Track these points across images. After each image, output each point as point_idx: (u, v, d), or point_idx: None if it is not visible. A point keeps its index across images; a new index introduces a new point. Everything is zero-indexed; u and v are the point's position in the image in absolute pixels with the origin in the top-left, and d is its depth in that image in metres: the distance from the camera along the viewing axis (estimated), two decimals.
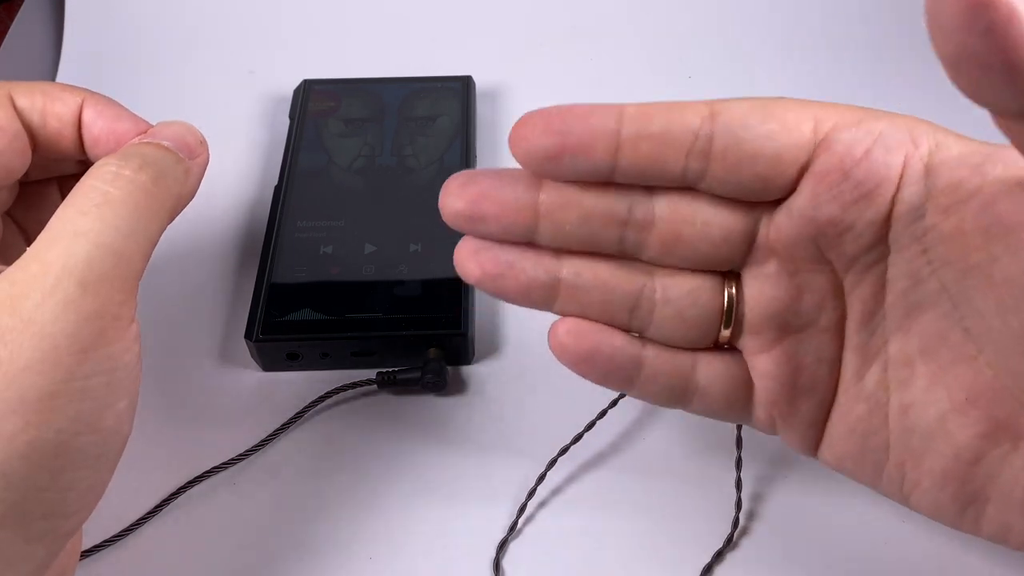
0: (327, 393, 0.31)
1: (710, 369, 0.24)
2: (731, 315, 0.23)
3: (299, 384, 0.32)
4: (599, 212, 0.22)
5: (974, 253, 0.20)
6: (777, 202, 0.21)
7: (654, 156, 0.21)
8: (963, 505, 0.22)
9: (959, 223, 0.20)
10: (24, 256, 0.20)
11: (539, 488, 0.29)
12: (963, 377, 0.21)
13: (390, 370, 0.31)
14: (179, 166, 0.24)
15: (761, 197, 0.21)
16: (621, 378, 0.23)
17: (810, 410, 0.23)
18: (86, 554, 0.27)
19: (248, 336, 0.31)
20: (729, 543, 0.28)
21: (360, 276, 0.33)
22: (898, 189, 0.20)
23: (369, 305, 0.32)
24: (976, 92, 0.15)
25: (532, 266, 0.22)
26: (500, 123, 0.41)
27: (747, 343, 0.23)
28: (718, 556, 0.27)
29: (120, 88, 0.42)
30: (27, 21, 0.46)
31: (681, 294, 0.23)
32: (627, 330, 0.23)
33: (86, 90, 0.25)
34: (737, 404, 0.24)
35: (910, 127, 0.20)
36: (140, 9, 0.46)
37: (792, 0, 0.46)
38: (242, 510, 0.29)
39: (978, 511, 0.22)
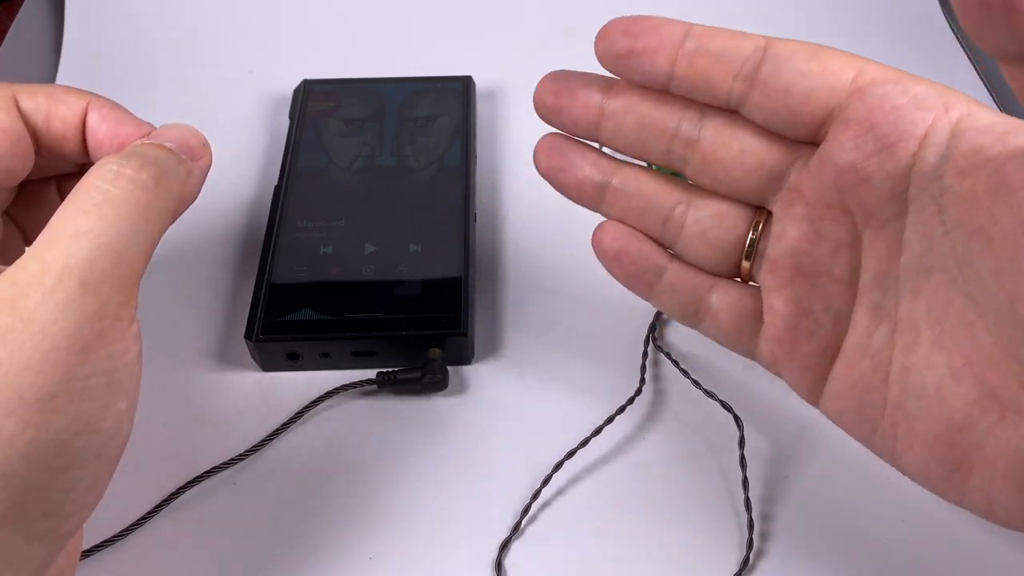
0: (327, 393, 0.31)
1: (725, 295, 0.26)
2: (753, 247, 0.25)
3: (299, 384, 0.32)
4: (653, 121, 0.25)
5: (980, 215, 0.20)
6: (812, 149, 0.23)
7: (706, 72, 0.23)
8: (948, 471, 0.22)
9: (972, 186, 0.20)
10: (24, 256, 0.20)
11: (542, 489, 0.29)
12: (963, 343, 0.21)
13: (390, 370, 0.31)
14: (181, 167, 0.24)
15: (791, 131, 0.23)
16: (643, 282, 0.27)
17: (811, 355, 0.24)
18: (86, 554, 0.27)
19: (248, 336, 0.31)
20: (745, 565, 0.28)
21: (360, 276, 0.33)
22: (920, 147, 0.21)
23: (369, 305, 0.32)
24: (980, 35, 0.16)
25: (589, 167, 0.26)
26: (500, 123, 0.41)
27: (764, 278, 0.25)
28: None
29: (120, 88, 0.43)
30: (27, 21, 0.46)
31: (709, 215, 0.25)
32: (659, 243, 0.27)
33: (90, 93, 0.25)
34: (744, 334, 0.26)
35: (946, 94, 0.21)
36: (140, 9, 0.46)
37: (792, 0, 0.46)
38: (242, 510, 0.29)
39: (962, 479, 0.22)
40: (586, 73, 0.26)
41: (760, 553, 0.27)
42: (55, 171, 0.27)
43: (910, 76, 0.22)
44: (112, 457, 0.21)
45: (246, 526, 0.28)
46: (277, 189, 0.36)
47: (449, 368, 0.31)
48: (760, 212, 0.25)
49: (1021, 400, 0.20)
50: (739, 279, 0.26)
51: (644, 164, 0.27)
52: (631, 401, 0.30)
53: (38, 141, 0.24)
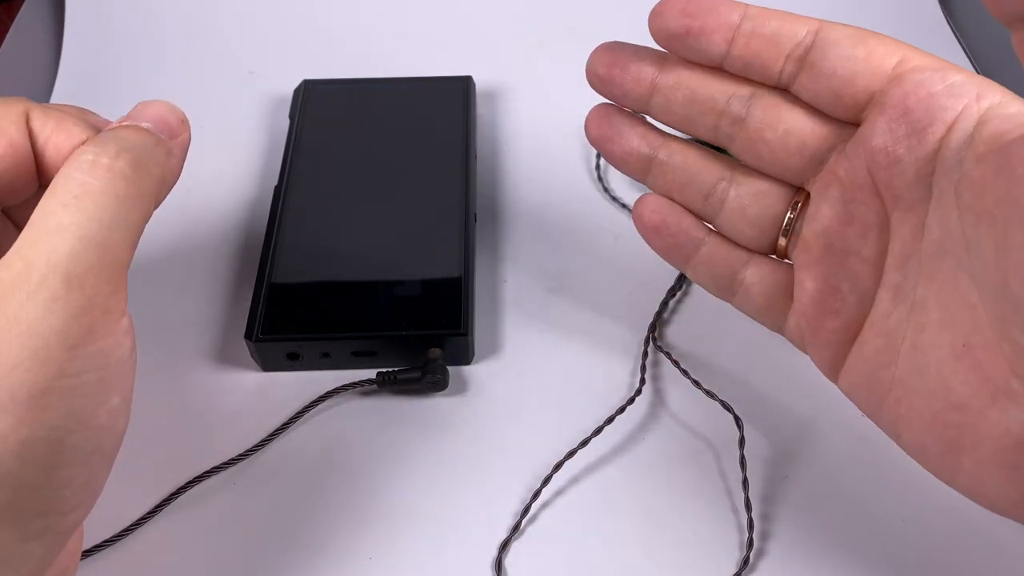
0: (327, 393, 0.31)
1: (758, 271, 0.27)
2: (791, 226, 0.26)
3: (299, 384, 0.32)
4: (702, 97, 0.26)
5: (987, 198, 0.20)
6: (852, 133, 0.24)
7: (761, 53, 0.24)
8: (944, 450, 0.22)
9: (985, 170, 0.20)
10: (8, 254, 0.20)
11: (542, 489, 0.29)
12: (965, 325, 0.21)
13: (390, 370, 0.31)
14: (159, 148, 0.23)
15: (835, 112, 0.24)
16: (681, 254, 0.28)
17: (835, 331, 0.25)
18: (86, 554, 0.27)
19: (248, 336, 0.31)
20: (745, 564, 0.28)
21: (360, 276, 0.33)
22: (948, 133, 0.22)
23: (369, 305, 0.32)
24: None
25: (638, 138, 0.27)
26: (500, 123, 0.41)
27: (797, 256, 0.26)
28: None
29: (120, 88, 0.43)
30: (27, 21, 0.46)
31: (749, 192, 0.27)
32: (700, 217, 0.28)
33: (97, 128, 0.23)
34: (775, 309, 0.27)
35: (982, 84, 0.22)
36: (140, 9, 0.46)
37: (792, 1, 0.46)
38: (242, 510, 0.29)
39: (955, 461, 0.22)
40: (638, 46, 0.26)
41: (760, 553, 0.27)
42: None
43: (952, 65, 0.22)
44: (107, 454, 0.21)
45: (246, 526, 0.28)
46: (277, 189, 0.36)
47: (449, 368, 0.31)
48: (799, 192, 0.26)
49: (1011, 383, 0.20)
50: (774, 256, 0.27)
51: (689, 138, 0.28)
52: (631, 401, 0.30)
53: (38, 162, 0.24)
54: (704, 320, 0.33)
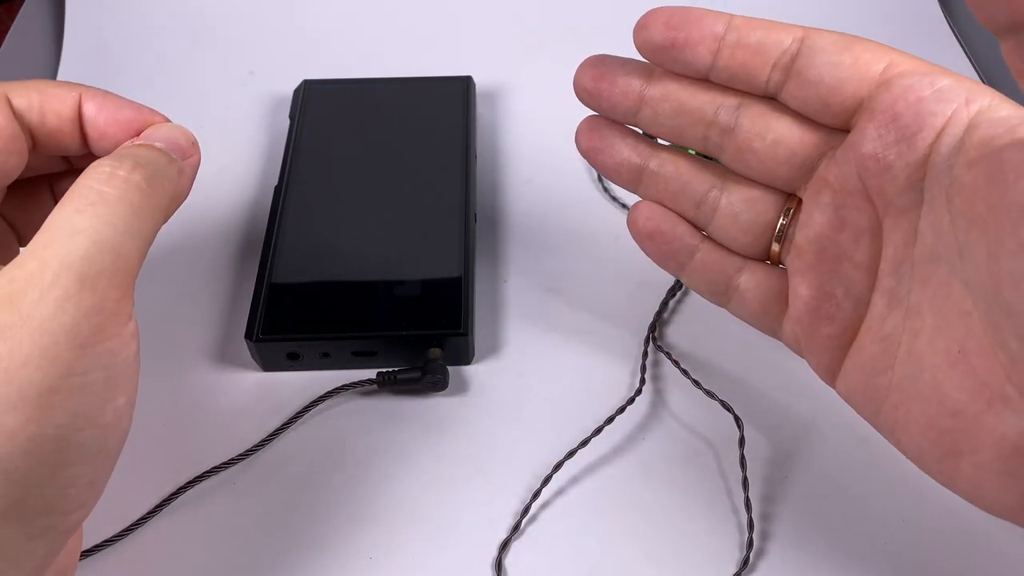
0: (327, 393, 0.31)
1: (752, 277, 0.27)
2: (783, 232, 0.26)
3: (299, 384, 0.32)
4: (691, 109, 0.26)
5: (979, 204, 0.20)
6: (842, 139, 0.24)
7: (746, 62, 0.24)
8: (942, 455, 0.22)
9: (976, 176, 0.20)
10: (22, 254, 0.20)
11: (542, 489, 0.29)
12: (959, 331, 0.21)
13: (390, 370, 0.31)
14: (172, 166, 0.24)
15: (823, 119, 0.24)
16: (675, 261, 0.28)
17: (830, 337, 0.25)
18: (86, 554, 0.27)
19: (248, 336, 0.31)
20: (745, 564, 0.28)
21: (360, 276, 0.33)
22: (938, 138, 0.21)
23: (369, 305, 0.32)
24: (979, 5, 0.16)
25: (628, 149, 0.27)
26: (500, 123, 0.41)
27: (790, 262, 0.26)
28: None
29: (120, 89, 0.42)
30: (27, 21, 0.46)
31: (741, 199, 0.27)
32: (693, 224, 0.28)
33: (81, 85, 0.25)
34: (769, 314, 0.27)
35: (972, 87, 0.22)
36: (140, 9, 0.46)
37: (794, 2, 0.46)
38: (242, 510, 0.29)
39: (953, 465, 0.22)
40: (625, 59, 0.26)
41: (760, 553, 0.27)
42: (47, 170, 0.27)
43: (940, 69, 0.22)
44: (112, 453, 0.21)
45: (246, 526, 0.28)
46: (277, 189, 0.36)
47: (449, 368, 0.31)
48: (791, 198, 0.26)
49: (1006, 389, 0.20)
50: (768, 261, 0.27)
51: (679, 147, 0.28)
52: (631, 401, 0.30)
53: (34, 138, 0.25)
54: (704, 320, 0.33)
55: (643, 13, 0.25)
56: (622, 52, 0.48)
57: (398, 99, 0.39)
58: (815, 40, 0.23)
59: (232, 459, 0.29)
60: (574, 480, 0.29)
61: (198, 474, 0.29)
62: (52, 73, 0.43)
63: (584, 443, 0.29)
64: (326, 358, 0.32)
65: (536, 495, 0.28)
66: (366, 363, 0.32)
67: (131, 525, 0.28)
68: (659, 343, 0.32)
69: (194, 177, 0.25)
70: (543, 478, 0.29)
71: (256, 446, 0.30)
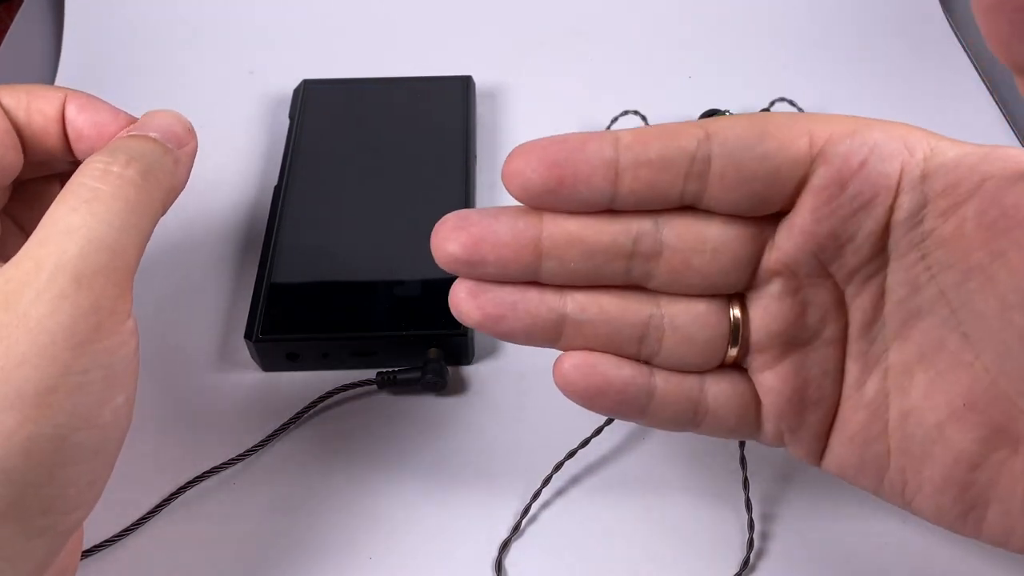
0: (327, 393, 0.31)
1: (718, 389, 0.23)
2: (738, 335, 0.23)
3: (299, 384, 0.32)
4: (604, 246, 0.21)
5: (975, 253, 0.20)
6: (778, 221, 0.22)
7: (653, 181, 0.21)
8: (964, 510, 0.22)
9: (959, 224, 0.20)
10: (18, 254, 0.20)
11: (542, 489, 0.29)
12: (961, 383, 0.21)
13: (390, 370, 0.31)
14: (167, 157, 0.23)
15: (759, 212, 0.21)
16: (634, 409, 0.23)
17: (818, 421, 0.23)
18: (86, 554, 0.27)
19: (248, 336, 0.31)
20: (746, 565, 0.28)
21: (360, 276, 0.33)
22: (896, 197, 0.20)
23: (369, 305, 0.32)
24: (1003, 45, 0.16)
25: (535, 305, 0.22)
26: (500, 123, 0.41)
27: (753, 361, 0.23)
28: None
29: (120, 88, 0.43)
30: (27, 21, 0.46)
31: (689, 320, 0.22)
32: (636, 359, 0.23)
33: (68, 88, 0.25)
34: (746, 421, 0.24)
35: (904, 135, 0.21)
36: (140, 9, 0.46)
37: (793, 6, 0.46)
38: (242, 510, 0.29)
39: (979, 516, 0.22)
40: (497, 209, 0.22)
41: (761, 553, 0.27)
42: (53, 170, 0.27)
43: (861, 122, 0.21)
44: (111, 452, 0.21)
45: (246, 526, 0.28)
46: (277, 189, 0.36)
47: (449, 368, 0.31)
48: (733, 298, 0.23)
49: None
50: (722, 366, 0.24)
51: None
52: None
53: (21, 137, 0.25)
54: None
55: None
56: (621, 53, 0.48)
57: (398, 99, 0.39)
58: (724, 135, 0.20)
59: (232, 459, 0.29)
60: (574, 480, 0.29)
61: (198, 474, 0.29)
62: (51, 73, 0.43)
63: (584, 443, 0.29)
64: (326, 358, 0.32)
65: (536, 495, 0.28)
66: (366, 363, 0.32)
67: (131, 525, 0.28)
68: None
69: (191, 166, 0.25)
70: (543, 478, 0.29)
71: (256, 446, 0.30)
